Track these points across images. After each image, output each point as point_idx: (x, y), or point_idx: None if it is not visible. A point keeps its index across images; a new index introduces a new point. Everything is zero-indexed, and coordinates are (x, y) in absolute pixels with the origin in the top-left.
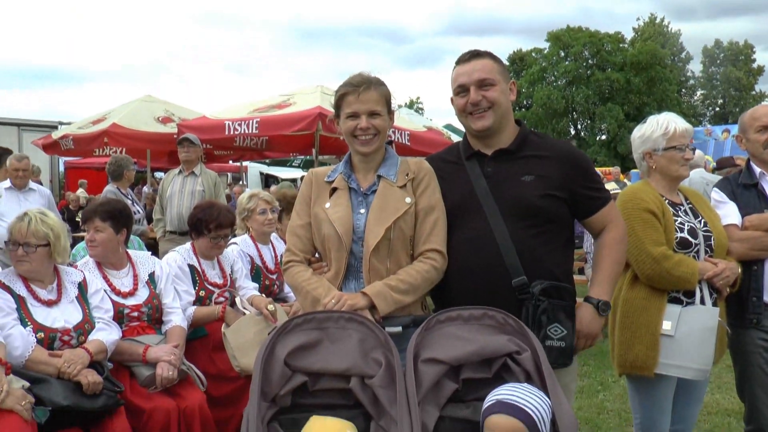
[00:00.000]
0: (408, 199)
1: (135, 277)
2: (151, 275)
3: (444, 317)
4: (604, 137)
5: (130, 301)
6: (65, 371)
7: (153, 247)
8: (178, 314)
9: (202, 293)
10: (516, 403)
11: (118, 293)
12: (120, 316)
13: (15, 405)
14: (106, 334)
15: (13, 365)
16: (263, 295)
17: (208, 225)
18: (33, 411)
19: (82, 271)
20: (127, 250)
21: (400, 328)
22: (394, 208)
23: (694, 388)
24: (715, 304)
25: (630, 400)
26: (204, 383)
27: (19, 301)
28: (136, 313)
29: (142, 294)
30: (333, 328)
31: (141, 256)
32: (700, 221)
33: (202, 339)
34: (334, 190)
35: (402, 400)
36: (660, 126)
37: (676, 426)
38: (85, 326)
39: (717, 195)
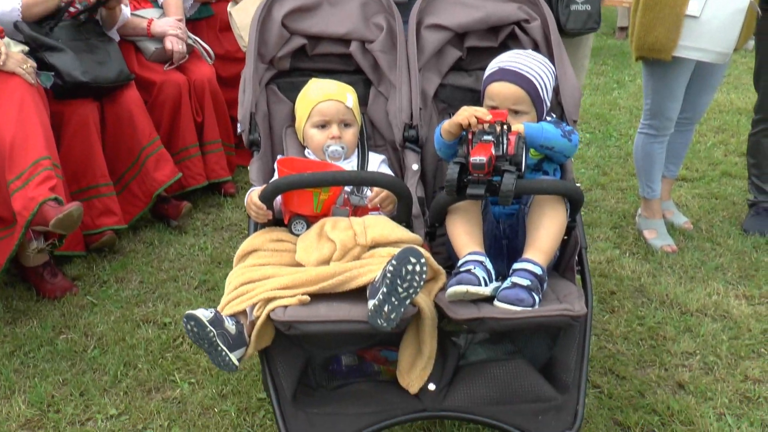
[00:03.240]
0: None
1: None
2: None
3: None
4: None
5: None
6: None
7: None
8: None
9: None
10: (518, 70)
11: None
12: None
13: (16, 68)
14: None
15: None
16: None
17: None
18: (37, 75)
19: None
20: None
21: None
22: None
23: (710, 74)
24: None
25: (643, 86)
26: (212, 56)
27: None
28: None
29: None
30: None
31: None
32: None
33: (209, 19)
34: None
35: (402, 66)
36: None
37: (686, 114)
38: None
39: None
